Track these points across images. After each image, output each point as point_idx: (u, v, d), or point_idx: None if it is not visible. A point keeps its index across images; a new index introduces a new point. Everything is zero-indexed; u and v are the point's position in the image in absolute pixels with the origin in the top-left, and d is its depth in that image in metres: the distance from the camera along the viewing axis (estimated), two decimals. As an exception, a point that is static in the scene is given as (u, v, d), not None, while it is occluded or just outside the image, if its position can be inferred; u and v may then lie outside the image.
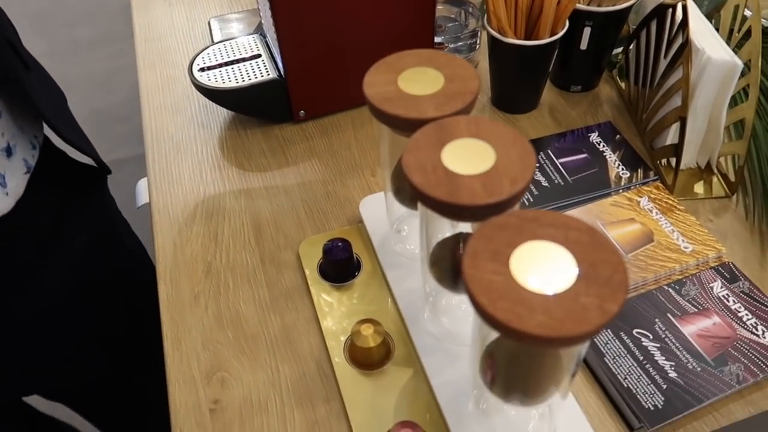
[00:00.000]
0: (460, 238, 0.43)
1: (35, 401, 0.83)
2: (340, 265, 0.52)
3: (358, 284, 0.53)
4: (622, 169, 0.59)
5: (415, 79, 0.43)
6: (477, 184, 0.35)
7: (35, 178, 0.62)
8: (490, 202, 0.34)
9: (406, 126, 0.41)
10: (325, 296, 0.52)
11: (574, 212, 0.55)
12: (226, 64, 0.67)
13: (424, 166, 0.37)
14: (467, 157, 0.37)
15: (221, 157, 0.66)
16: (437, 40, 0.72)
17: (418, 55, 0.45)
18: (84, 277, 0.69)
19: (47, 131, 0.67)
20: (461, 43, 0.74)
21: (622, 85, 0.69)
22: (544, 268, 0.30)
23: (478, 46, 0.75)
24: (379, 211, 0.55)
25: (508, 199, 0.35)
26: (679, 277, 0.50)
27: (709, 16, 0.61)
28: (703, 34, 0.55)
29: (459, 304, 0.49)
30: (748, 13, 0.58)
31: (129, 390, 0.84)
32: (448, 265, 0.44)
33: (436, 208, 0.36)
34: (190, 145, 0.68)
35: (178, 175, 0.65)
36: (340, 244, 0.52)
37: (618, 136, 0.62)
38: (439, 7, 0.78)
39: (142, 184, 0.68)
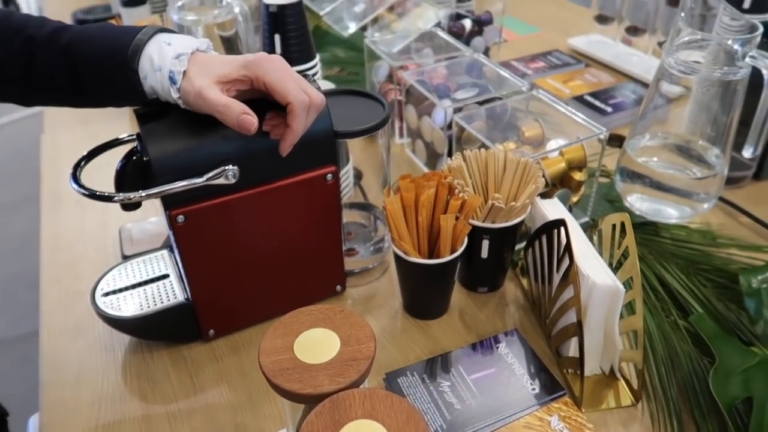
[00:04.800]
0: None
1: None
2: None
3: None
4: (531, 385, 0.60)
5: (311, 344, 0.43)
6: (371, 482, 0.34)
7: None
8: (384, 506, 0.33)
9: (301, 400, 0.41)
10: None
11: (488, 437, 0.54)
12: (132, 287, 0.66)
13: (317, 459, 0.36)
14: (361, 445, 0.36)
15: (123, 386, 0.63)
16: (346, 247, 0.74)
17: (315, 313, 0.45)
18: None
19: None
20: (371, 248, 0.76)
21: (524, 282, 0.73)
22: None
23: (386, 249, 0.77)
24: (289, 451, 0.53)
25: (403, 499, 0.34)
26: None
27: (590, 231, 0.66)
28: (586, 256, 0.59)
29: None
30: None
31: None
32: None
33: None
34: (90, 373, 0.64)
35: (75, 410, 0.61)
36: (244, 502, 0.49)
37: (525, 346, 0.64)
38: (347, 211, 0.81)
39: (33, 422, 0.63)
